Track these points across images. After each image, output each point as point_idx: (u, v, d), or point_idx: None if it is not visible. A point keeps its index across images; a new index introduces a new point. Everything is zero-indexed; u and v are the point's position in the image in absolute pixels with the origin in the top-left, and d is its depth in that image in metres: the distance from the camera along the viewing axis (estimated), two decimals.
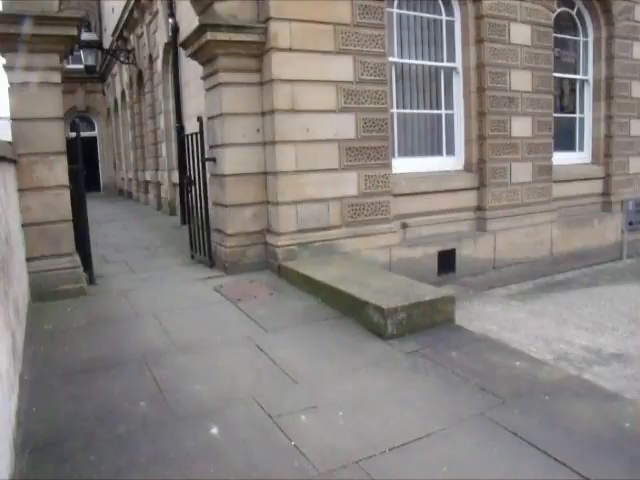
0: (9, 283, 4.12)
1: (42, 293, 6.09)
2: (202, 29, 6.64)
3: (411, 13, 8.00)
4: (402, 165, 7.84)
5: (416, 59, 8.13)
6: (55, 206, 6.22)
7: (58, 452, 3.14)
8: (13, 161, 5.77)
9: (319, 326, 5.02)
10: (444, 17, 8.24)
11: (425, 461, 2.92)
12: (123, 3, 16.25)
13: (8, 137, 6.15)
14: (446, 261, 7.91)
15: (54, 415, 3.56)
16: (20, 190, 6.07)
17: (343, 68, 6.98)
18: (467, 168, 8.47)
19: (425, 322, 4.88)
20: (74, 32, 6.20)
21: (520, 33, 8.47)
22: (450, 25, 8.29)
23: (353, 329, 4.91)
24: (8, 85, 6.05)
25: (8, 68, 6.04)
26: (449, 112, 8.44)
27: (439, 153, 8.46)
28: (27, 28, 5.86)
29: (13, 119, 6.12)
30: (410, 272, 6.71)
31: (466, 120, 8.40)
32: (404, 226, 7.65)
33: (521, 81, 8.57)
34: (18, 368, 3.99)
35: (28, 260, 6.10)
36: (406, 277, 5.89)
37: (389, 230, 7.39)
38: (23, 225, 6.06)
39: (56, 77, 6.24)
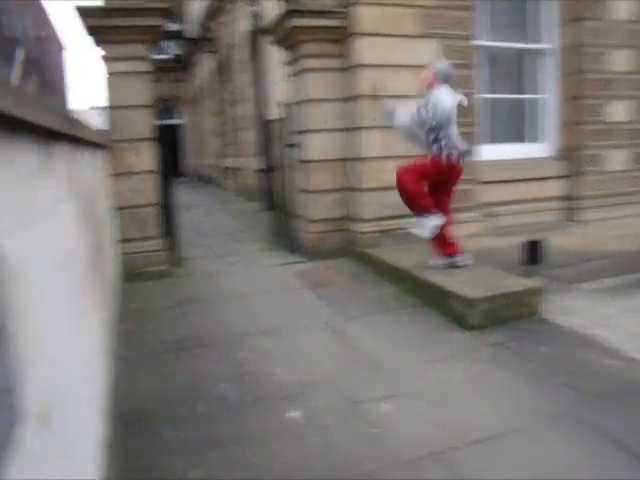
0: (102, 264, 4.29)
1: (131, 274, 6.34)
2: (287, 15, 6.65)
3: None
4: (489, 152, 7.57)
5: (503, 42, 7.80)
6: (142, 190, 6.45)
7: (144, 425, 3.27)
8: (107, 147, 6.01)
9: (400, 315, 4.96)
10: None
11: (509, 456, 2.84)
12: None
13: (102, 126, 6.43)
14: (532, 252, 7.61)
15: (141, 391, 3.71)
16: (112, 175, 6.32)
17: (427, 52, 6.80)
18: (556, 155, 8.09)
19: (510, 314, 4.71)
20: (159, 22, 6.39)
21: (621, 8, 7.95)
22: (541, 4, 7.89)
23: (435, 319, 4.82)
24: (107, 75, 6.31)
25: (105, 59, 6.30)
26: (537, 96, 8.07)
27: (525, 140, 8.13)
28: (118, 21, 6.10)
29: (109, 107, 6.38)
30: (493, 262, 6.48)
31: (558, 105, 8.01)
32: (490, 215, 7.42)
33: (620, 61, 8.06)
34: (109, 344, 4.15)
35: (118, 242, 6.36)
36: (490, 267, 5.71)
37: (475, 219, 7.19)
38: (115, 208, 6.31)
39: (144, 66, 6.45)
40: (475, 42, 7.29)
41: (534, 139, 8.14)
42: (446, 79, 5.20)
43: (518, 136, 8.10)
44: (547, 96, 8.05)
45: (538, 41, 7.99)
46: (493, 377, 3.74)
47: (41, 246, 1.94)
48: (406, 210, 6.85)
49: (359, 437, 3.06)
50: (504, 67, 7.91)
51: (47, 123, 2.14)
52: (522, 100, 8.09)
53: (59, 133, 2.50)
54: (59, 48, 36.44)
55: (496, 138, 7.88)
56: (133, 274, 6.34)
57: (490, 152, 7.60)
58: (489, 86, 7.77)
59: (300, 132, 7.17)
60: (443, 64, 5.36)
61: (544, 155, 8.10)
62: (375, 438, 3.04)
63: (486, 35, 7.61)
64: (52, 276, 2.09)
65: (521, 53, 7.98)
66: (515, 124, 8.10)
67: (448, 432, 3.07)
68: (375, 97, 5.22)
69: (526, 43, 7.96)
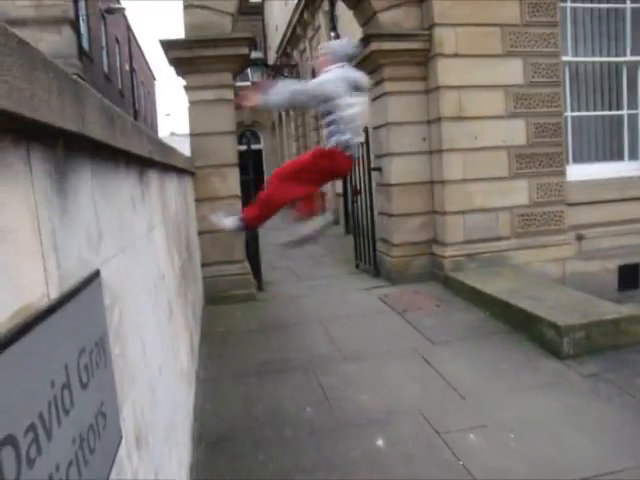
0: (188, 287, 4.41)
1: (215, 297, 6.48)
2: (366, 39, 6.71)
3: (587, 6, 7.38)
4: (577, 172, 7.27)
5: (593, 56, 7.48)
6: None
7: (230, 448, 3.29)
8: (192, 173, 6.21)
9: (487, 341, 4.80)
10: (629, 5, 7.46)
11: None
12: (286, 21, 16.97)
13: (185, 152, 6.65)
14: (628, 276, 7.20)
15: (226, 413, 3.75)
16: (197, 200, 6.52)
17: (512, 71, 6.67)
18: None
19: (606, 343, 4.46)
20: (246, 51, 6.60)
21: None
22: (637, 13, 7.51)
23: (524, 346, 4.62)
24: (188, 104, 6.56)
25: (188, 88, 6.57)
26: (633, 112, 7.67)
27: (620, 158, 7.71)
28: (205, 51, 6.35)
29: (191, 134, 6.61)
30: (586, 287, 6.19)
31: None
32: (580, 237, 7.09)
33: None
34: (194, 366, 4.24)
35: (203, 266, 6.53)
36: (582, 293, 5.44)
37: (563, 242, 6.90)
38: (199, 233, 6.49)
39: (229, 94, 6.66)
40: (564, 58, 7.06)
41: (631, 157, 7.69)
42: (342, 58, 4.38)
43: (612, 155, 7.69)
44: None
45: (636, 52, 7.50)
46: (591, 410, 3.52)
47: (137, 271, 2.00)
48: (490, 233, 6.71)
49: (445, 469, 2.96)
50: (597, 83, 7.56)
51: (146, 153, 2.23)
52: (618, 116, 7.69)
53: (154, 161, 2.60)
54: (151, 79, 38.43)
55: (587, 157, 7.55)
56: (217, 297, 6.48)
57: (580, 172, 7.28)
58: (579, 103, 7.48)
59: (382, 155, 7.16)
60: (336, 42, 4.76)
61: None
62: (462, 471, 2.92)
63: (575, 50, 7.34)
64: (146, 300, 2.15)
65: (618, 66, 7.58)
66: (609, 142, 7.71)
67: (542, 468, 2.90)
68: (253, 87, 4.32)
69: (622, 56, 7.58)
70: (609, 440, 3.15)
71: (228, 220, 4.50)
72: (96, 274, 1.34)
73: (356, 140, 4.19)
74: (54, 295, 1.03)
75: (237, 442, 3.35)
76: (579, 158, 7.48)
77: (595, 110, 7.56)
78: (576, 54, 7.33)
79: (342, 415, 3.61)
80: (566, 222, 6.97)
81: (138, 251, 2.07)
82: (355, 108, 4.10)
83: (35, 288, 0.96)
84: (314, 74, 4.57)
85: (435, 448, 3.16)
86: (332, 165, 4.16)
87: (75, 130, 1.11)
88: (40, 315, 0.94)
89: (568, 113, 7.32)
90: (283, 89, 4.16)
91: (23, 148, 0.96)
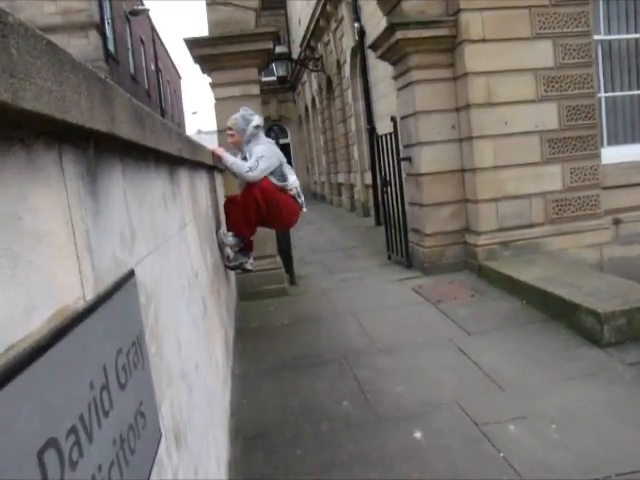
0: (221, 283, 4.43)
1: (247, 293, 6.51)
2: (391, 29, 6.63)
3: None
4: (613, 154, 7.09)
5: (627, 33, 7.26)
6: None
7: (267, 443, 3.30)
8: (221, 170, 6.22)
9: (524, 330, 4.72)
10: None
11: None
12: (309, 14, 16.91)
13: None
14: None
15: (262, 408, 3.76)
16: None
17: (541, 54, 6.53)
18: None
19: None
20: (270, 46, 6.59)
21: None
22: None
23: (562, 334, 4.53)
24: (214, 101, 6.58)
25: (214, 85, 6.59)
26: None
27: None
28: (230, 47, 6.35)
29: (219, 131, 6.63)
30: (625, 273, 6.05)
31: None
32: (617, 222, 6.93)
33: None
34: (229, 362, 4.26)
35: None
36: (622, 278, 5.31)
37: (599, 226, 6.74)
38: None
39: (255, 89, 6.66)
40: (596, 37, 6.87)
41: None
42: (253, 131, 4.50)
43: None
44: None
45: None
46: (636, 400, 3.43)
47: (170, 270, 2.01)
48: (524, 220, 6.59)
49: (485, 461, 2.91)
50: (632, 61, 7.33)
51: (176, 151, 2.23)
52: None
53: (183, 159, 2.60)
54: (176, 77, 38.78)
55: (623, 139, 7.36)
56: (250, 293, 6.51)
57: (616, 154, 7.11)
58: (613, 83, 7.28)
59: (411, 145, 7.09)
60: (238, 115, 4.60)
61: None
62: (503, 464, 2.87)
63: (607, 28, 7.13)
64: (180, 298, 2.16)
65: None
66: None
67: (586, 461, 2.83)
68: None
69: None
70: None
71: (229, 238, 4.70)
72: (131, 274, 1.34)
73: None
74: (90, 296, 1.03)
75: (274, 437, 3.36)
76: (614, 140, 7.30)
77: (630, 90, 7.35)
78: (609, 32, 7.14)
79: (379, 408, 3.59)
80: (602, 206, 6.81)
81: (171, 249, 2.07)
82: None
83: (71, 290, 0.96)
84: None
85: (474, 440, 3.12)
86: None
87: (105, 130, 1.11)
88: (77, 317, 0.94)
89: (602, 94, 7.14)
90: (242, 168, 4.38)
91: (55, 150, 0.96)
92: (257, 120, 4.53)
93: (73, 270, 0.98)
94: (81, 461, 0.87)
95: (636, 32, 7.24)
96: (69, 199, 0.99)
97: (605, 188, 6.84)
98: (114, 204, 1.32)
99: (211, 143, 6.90)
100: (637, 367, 3.85)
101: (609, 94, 7.23)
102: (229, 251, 4.82)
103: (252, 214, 4.47)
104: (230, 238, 4.69)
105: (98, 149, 1.21)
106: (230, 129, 4.59)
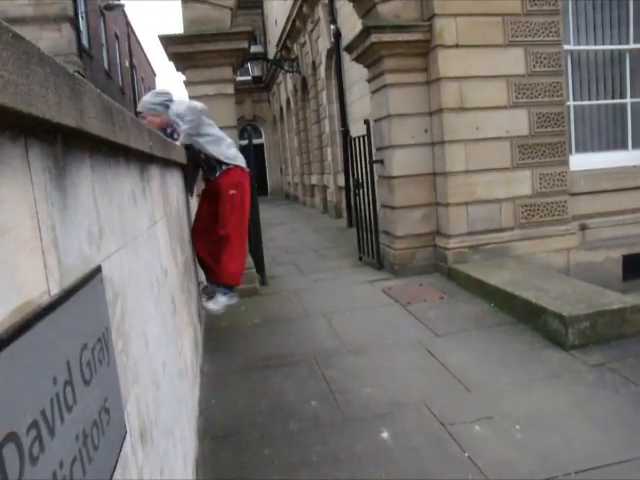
0: (191, 282, 4.41)
1: None
2: (366, 31, 6.67)
3: None
4: (581, 162, 7.24)
5: (595, 44, 7.41)
6: None
7: (235, 442, 3.29)
8: None
9: (492, 332, 4.79)
10: None
11: None
12: (286, 14, 16.93)
13: None
14: (632, 266, 7.17)
15: (231, 407, 3.75)
16: (199, 195, 6.50)
17: (513, 61, 6.63)
18: None
19: (611, 333, 4.45)
20: (245, 45, 6.58)
21: None
22: None
23: (529, 337, 4.62)
24: (188, 99, 6.54)
25: (188, 83, 6.56)
26: (636, 100, 7.60)
27: (624, 147, 7.67)
28: (205, 46, 6.33)
29: None
30: (590, 277, 6.18)
31: None
32: (583, 227, 7.07)
33: None
34: (199, 361, 4.25)
35: None
36: (587, 283, 5.43)
37: (566, 232, 6.88)
38: None
39: (230, 88, 6.66)
40: (566, 47, 7.01)
41: (634, 146, 7.58)
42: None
43: (615, 144, 7.63)
44: None
45: None
46: (597, 401, 3.51)
47: (139, 267, 2.00)
48: (494, 224, 6.69)
49: (451, 461, 2.95)
50: (600, 71, 7.49)
51: (147, 148, 2.21)
52: (622, 105, 7.63)
53: (154, 156, 2.59)
54: (151, 75, 38.40)
55: (590, 147, 7.52)
56: None
57: (583, 162, 7.26)
58: (582, 93, 7.43)
59: (384, 148, 7.14)
60: (147, 98, 4.69)
61: None
62: (468, 463, 2.91)
63: (577, 39, 7.28)
64: (149, 296, 2.15)
65: (622, 54, 7.48)
66: (612, 131, 7.65)
67: (548, 460, 2.89)
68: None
69: (627, 43, 7.46)
70: (616, 430, 3.14)
71: (221, 299, 4.89)
72: (98, 270, 1.33)
73: None
74: (55, 291, 1.03)
75: (242, 436, 3.35)
76: (582, 148, 7.45)
77: (598, 99, 7.51)
78: (578, 42, 7.28)
79: (347, 408, 3.61)
80: (569, 212, 6.95)
81: (140, 247, 2.06)
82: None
83: (36, 284, 0.95)
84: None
85: (440, 440, 3.16)
86: None
87: (73, 125, 1.10)
88: (41, 312, 0.93)
89: (570, 102, 7.29)
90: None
91: (21, 144, 0.95)
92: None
93: (38, 264, 0.97)
94: (42, 456, 0.86)
95: (604, 44, 7.39)
96: (35, 193, 0.99)
97: (573, 194, 6.97)
98: (82, 199, 1.31)
99: None
100: (599, 369, 3.94)
101: (578, 102, 7.38)
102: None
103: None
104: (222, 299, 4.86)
105: (66, 144, 1.20)
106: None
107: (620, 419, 3.26)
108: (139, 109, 4.63)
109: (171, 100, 4.59)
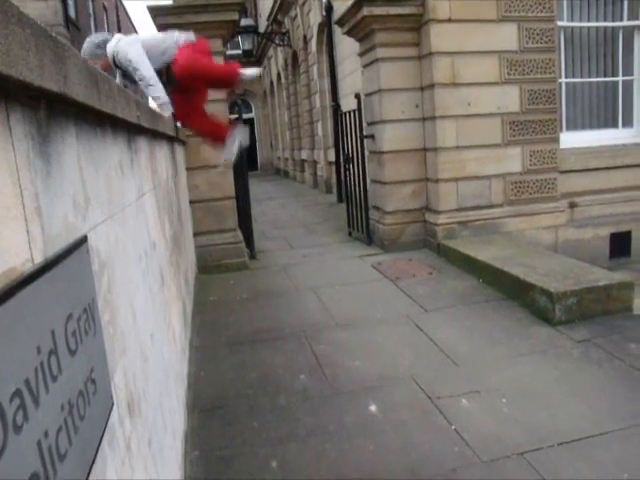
0: (180, 256, 4.39)
1: (207, 266, 6.47)
2: (358, 5, 6.57)
3: None
4: (571, 139, 7.23)
5: (589, 21, 7.35)
6: (219, 183, 6.57)
7: (224, 415, 3.31)
8: (183, 142, 6.14)
9: (480, 308, 4.82)
10: None
11: (600, 462, 2.68)
12: None
13: None
14: (620, 244, 7.22)
15: (220, 380, 3.76)
16: (188, 169, 6.47)
17: (506, 37, 6.57)
18: None
19: (598, 309, 4.49)
20: (235, 16, 6.47)
21: None
22: None
23: (517, 312, 4.65)
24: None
25: None
26: (628, 78, 7.57)
27: (614, 125, 7.65)
28: (194, 17, 6.22)
29: None
30: (578, 255, 6.23)
31: None
32: (572, 205, 7.09)
33: None
34: (187, 335, 4.25)
35: (195, 235, 6.50)
36: (575, 260, 5.46)
37: (555, 209, 6.90)
38: (191, 202, 6.45)
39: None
40: (560, 23, 6.95)
41: (625, 124, 7.62)
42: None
43: (606, 122, 7.61)
44: (637, 77, 7.52)
45: (634, 17, 7.34)
46: (582, 375, 3.56)
47: (126, 238, 1.97)
48: (483, 201, 6.69)
49: (438, 434, 2.99)
50: (593, 48, 7.44)
51: (134, 119, 2.18)
52: (614, 83, 7.59)
53: (143, 127, 2.55)
54: None
55: (581, 125, 7.50)
56: (209, 266, 6.47)
57: (574, 139, 7.25)
58: (574, 70, 7.39)
59: (374, 123, 7.09)
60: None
61: (636, 141, 7.53)
62: (455, 436, 2.95)
63: (571, 15, 7.21)
64: (136, 268, 2.13)
65: (615, 32, 7.41)
66: (604, 109, 7.62)
67: (533, 432, 2.94)
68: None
69: (620, 20, 7.36)
70: (600, 403, 3.19)
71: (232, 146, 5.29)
72: (83, 239, 1.31)
73: None
74: (39, 260, 1.01)
75: (231, 409, 3.37)
76: (573, 125, 7.44)
77: (590, 76, 7.47)
78: (572, 19, 7.22)
79: (335, 382, 3.63)
80: (559, 190, 6.96)
81: (127, 218, 2.04)
82: None
83: (18, 252, 0.93)
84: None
85: (428, 414, 3.19)
86: None
87: (56, 90, 1.07)
88: (24, 280, 0.91)
89: (562, 79, 7.25)
90: None
91: (2, 109, 0.93)
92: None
93: (21, 232, 0.95)
94: (26, 425, 0.85)
95: (597, 20, 7.33)
96: (17, 160, 0.96)
97: (562, 172, 6.98)
98: (67, 168, 1.29)
99: None
100: (584, 344, 3.99)
101: (570, 80, 7.34)
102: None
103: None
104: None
105: (50, 110, 1.17)
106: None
107: (603, 393, 3.31)
108: (82, 56, 4.53)
109: (107, 40, 4.54)
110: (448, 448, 2.85)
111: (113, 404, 1.42)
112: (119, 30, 26.81)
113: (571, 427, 2.96)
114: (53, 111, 1.19)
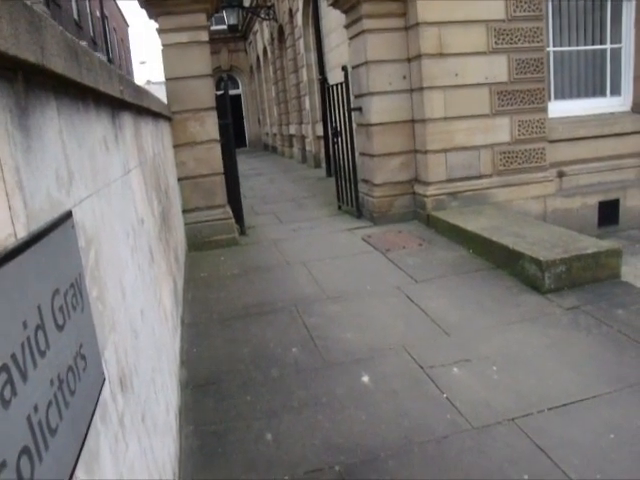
0: (169, 233, 4.37)
1: (197, 243, 6.46)
2: None
3: None
4: (559, 108, 7.21)
5: None
6: (207, 160, 6.52)
7: (217, 390, 3.33)
8: (168, 119, 6.07)
9: (470, 277, 4.85)
10: None
11: (589, 425, 2.73)
12: None
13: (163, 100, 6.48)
14: (608, 212, 7.25)
15: (213, 356, 3.78)
16: (175, 146, 6.41)
17: (493, 5, 6.49)
18: (636, 109, 7.60)
19: (586, 277, 4.53)
20: None
21: None
22: None
23: (507, 281, 4.68)
24: (162, 47, 6.35)
25: (161, 31, 6.35)
26: (616, 46, 7.54)
27: (602, 94, 7.64)
28: None
29: (167, 79, 6.43)
30: (567, 224, 6.26)
31: (636, 54, 7.46)
32: (561, 174, 7.10)
33: None
34: (179, 311, 4.25)
35: (184, 212, 6.47)
36: (563, 228, 5.49)
37: (544, 179, 6.90)
38: (179, 179, 6.41)
39: (204, 35, 6.46)
40: None
41: (612, 93, 7.60)
42: None
43: (594, 91, 7.58)
44: (625, 45, 7.50)
45: None
46: (571, 341, 3.59)
47: (113, 214, 1.96)
48: (472, 171, 6.68)
49: (430, 402, 3.02)
50: (581, 16, 7.38)
51: (117, 93, 2.14)
52: (602, 51, 7.55)
53: (127, 103, 2.52)
54: (124, 25, 37.22)
55: (569, 94, 7.48)
56: (199, 243, 6.46)
57: (562, 108, 7.23)
58: (562, 38, 7.33)
59: (362, 95, 7.03)
60: None
61: (623, 109, 7.58)
62: (446, 404, 2.99)
63: None
64: (124, 244, 2.11)
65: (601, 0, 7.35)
66: (592, 78, 7.58)
67: (523, 398, 2.98)
68: None
69: None
70: (588, 369, 3.23)
71: None
72: (68, 215, 1.29)
73: None
74: (22, 234, 1.00)
75: (224, 384, 3.39)
76: (561, 94, 7.41)
77: (578, 45, 7.42)
78: None
79: (327, 354, 3.65)
80: (547, 159, 6.96)
81: (113, 194, 2.02)
82: None
83: (0, 226, 0.92)
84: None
85: (419, 383, 3.23)
86: None
87: (33, 61, 1.05)
88: (7, 254, 0.90)
89: (550, 48, 7.19)
90: None
91: None
92: None
93: (2, 207, 0.94)
94: (14, 400, 0.85)
95: None
96: None
97: (551, 141, 6.97)
98: (49, 142, 1.27)
99: (160, 94, 6.75)
100: (573, 312, 4.03)
101: (557, 48, 7.29)
102: None
103: None
104: None
105: (28, 83, 1.15)
106: None
107: (592, 358, 3.35)
108: None
109: None
110: (440, 416, 2.88)
111: (105, 380, 1.42)
112: (101, 8, 26.34)
113: (560, 392, 3.00)
114: (31, 84, 1.17)
